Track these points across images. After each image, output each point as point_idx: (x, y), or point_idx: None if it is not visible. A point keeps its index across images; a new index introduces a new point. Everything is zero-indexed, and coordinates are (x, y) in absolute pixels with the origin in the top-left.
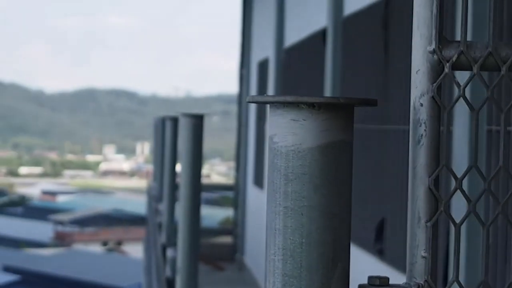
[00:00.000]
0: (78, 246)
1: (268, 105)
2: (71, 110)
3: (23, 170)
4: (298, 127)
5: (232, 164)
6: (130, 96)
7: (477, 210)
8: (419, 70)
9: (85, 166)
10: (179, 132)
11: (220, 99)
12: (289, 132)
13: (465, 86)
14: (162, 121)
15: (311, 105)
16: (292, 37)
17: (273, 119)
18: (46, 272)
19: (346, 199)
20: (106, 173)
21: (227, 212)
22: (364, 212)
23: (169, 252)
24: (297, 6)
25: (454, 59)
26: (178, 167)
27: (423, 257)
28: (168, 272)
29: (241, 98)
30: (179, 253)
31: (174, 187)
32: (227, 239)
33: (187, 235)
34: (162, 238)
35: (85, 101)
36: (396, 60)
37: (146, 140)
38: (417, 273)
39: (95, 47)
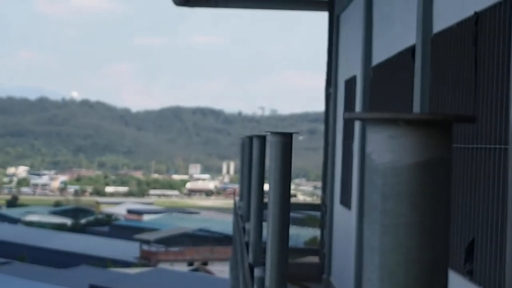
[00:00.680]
0: (164, 266)
1: (364, 123)
2: (157, 129)
3: (109, 189)
4: (395, 144)
5: (317, 183)
6: (215, 115)
7: None
8: None
9: (171, 185)
10: (267, 150)
11: (306, 117)
12: (387, 149)
13: None
14: (250, 140)
15: (409, 122)
16: (379, 55)
17: (370, 136)
18: None
19: (444, 217)
20: (192, 192)
21: (312, 232)
22: (454, 232)
23: (257, 272)
24: (385, 23)
25: None
26: (266, 186)
27: None
28: None
29: (328, 117)
30: (267, 272)
31: (261, 206)
32: (314, 259)
33: (275, 255)
34: (250, 258)
35: (171, 120)
36: (486, 77)
37: (231, 159)
38: None
39: (180, 66)
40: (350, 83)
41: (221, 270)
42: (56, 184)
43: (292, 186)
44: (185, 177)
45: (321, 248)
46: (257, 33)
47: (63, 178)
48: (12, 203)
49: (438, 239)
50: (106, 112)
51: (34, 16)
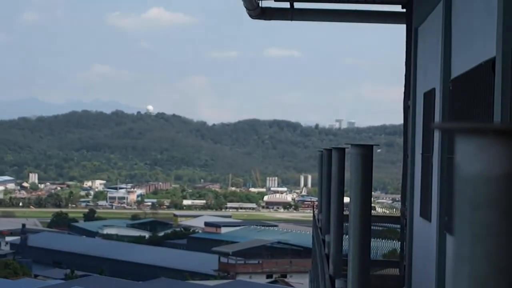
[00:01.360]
0: (242, 278)
1: (453, 133)
2: (233, 141)
3: (186, 202)
4: (485, 154)
5: (395, 196)
6: (292, 127)
7: None
8: None
9: (248, 198)
10: (347, 163)
11: (384, 130)
12: (476, 159)
13: None
14: (329, 152)
15: (499, 132)
16: (458, 67)
17: (459, 146)
18: None
19: None
20: (269, 205)
21: (391, 245)
22: None
23: (338, 284)
24: (464, 36)
25: None
26: (345, 199)
27: None
28: None
29: (407, 129)
30: (349, 284)
31: (341, 218)
32: (394, 271)
33: (357, 267)
34: (330, 270)
35: (247, 132)
36: None
37: (308, 171)
38: None
39: (256, 79)
40: (429, 96)
41: (300, 282)
42: (133, 197)
43: None
44: (262, 190)
45: (401, 260)
46: (333, 45)
47: (140, 191)
48: (90, 216)
49: None
50: (182, 126)
51: (108, 30)
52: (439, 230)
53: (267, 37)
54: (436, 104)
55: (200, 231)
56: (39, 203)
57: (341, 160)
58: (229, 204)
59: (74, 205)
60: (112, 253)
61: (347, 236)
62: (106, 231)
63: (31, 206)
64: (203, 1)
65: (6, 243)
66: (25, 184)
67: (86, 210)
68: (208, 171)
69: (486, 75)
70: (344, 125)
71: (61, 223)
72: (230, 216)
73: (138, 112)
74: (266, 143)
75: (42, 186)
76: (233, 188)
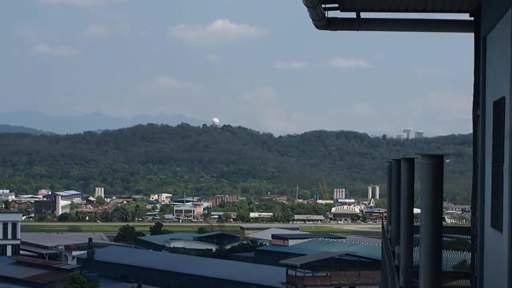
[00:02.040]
0: None
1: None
2: (300, 153)
3: (253, 215)
4: None
5: (465, 207)
6: (359, 138)
7: None
8: None
9: (316, 210)
10: (418, 173)
11: (452, 140)
12: None
13: None
14: (397, 163)
15: None
16: None
17: None
18: None
19: None
20: (337, 217)
21: (461, 256)
22: None
23: None
24: None
25: None
26: (415, 209)
27: None
28: None
29: (476, 139)
30: None
31: (411, 229)
32: (464, 283)
33: (428, 278)
34: (401, 281)
35: (314, 144)
36: None
37: (376, 182)
38: None
39: (322, 90)
40: (499, 105)
41: None
42: (199, 210)
43: None
44: (330, 201)
45: (472, 271)
46: (400, 55)
47: (206, 204)
48: (156, 230)
49: None
50: (248, 138)
51: (173, 43)
52: (510, 241)
53: (333, 47)
54: (506, 113)
55: (267, 244)
56: (106, 217)
57: (411, 171)
58: (296, 216)
59: (140, 219)
60: (179, 266)
61: (417, 248)
62: (173, 244)
63: (98, 220)
64: (268, 12)
65: (73, 257)
66: (91, 198)
67: (153, 224)
68: (275, 183)
69: None
70: (412, 135)
71: (128, 237)
72: (297, 229)
73: (204, 125)
74: (333, 155)
75: (108, 200)
76: (300, 200)
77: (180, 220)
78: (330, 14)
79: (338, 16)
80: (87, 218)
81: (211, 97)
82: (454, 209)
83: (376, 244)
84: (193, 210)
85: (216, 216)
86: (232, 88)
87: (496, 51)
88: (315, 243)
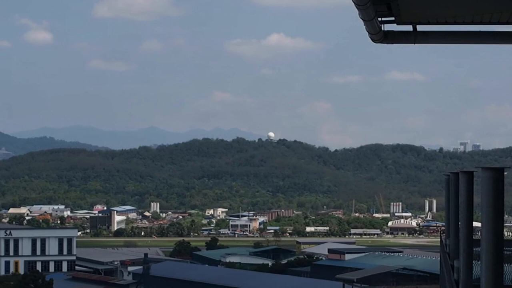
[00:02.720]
0: None
1: None
2: (356, 167)
3: (309, 229)
4: None
5: None
6: (416, 151)
7: None
8: None
9: (372, 224)
10: (477, 186)
11: (510, 153)
12: None
13: None
14: (455, 176)
15: None
16: None
17: None
18: None
19: None
20: (394, 231)
21: None
22: None
23: None
24: None
25: None
26: (475, 223)
27: None
28: None
29: None
30: None
31: (471, 243)
32: None
33: None
34: None
35: (370, 157)
36: None
37: (433, 196)
38: None
39: (378, 103)
40: None
41: None
42: (255, 225)
43: None
44: (386, 215)
45: None
46: (457, 67)
47: (262, 219)
48: (212, 244)
49: None
50: (304, 152)
51: (228, 58)
52: None
53: (389, 60)
54: None
55: (323, 258)
56: (161, 232)
57: (470, 184)
58: (352, 230)
59: (196, 234)
60: (235, 281)
61: (477, 261)
62: (229, 259)
63: (153, 236)
64: (324, 25)
65: (129, 273)
66: (146, 214)
67: (208, 239)
68: (331, 197)
69: None
70: (469, 148)
71: (184, 252)
72: (354, 243)
73: (259, 139)
74: (389, 168)
75: (163, 215)
76: (357, 214)
77: (236, 235)
78: (387, 27)
79: (395, 30)
80: (142, 233)
81: (267, 111)
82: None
83: (434, 258)
84: (249, 225)
85: (272, 231)
86: (287, 102)
87: None
88: (372, 257)
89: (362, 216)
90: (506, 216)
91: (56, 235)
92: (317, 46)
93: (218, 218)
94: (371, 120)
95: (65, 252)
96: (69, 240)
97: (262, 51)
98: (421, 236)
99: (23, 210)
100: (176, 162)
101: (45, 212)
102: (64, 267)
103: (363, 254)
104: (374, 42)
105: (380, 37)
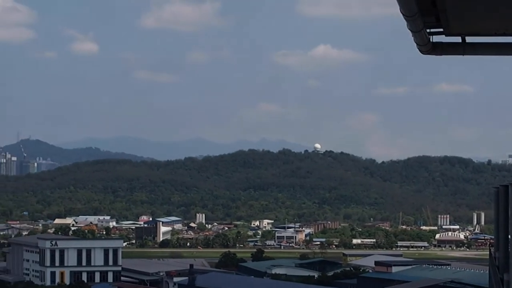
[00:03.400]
0: None
1: None
2: (403, 179)
3: (355, 241)
4: None
5: None
6: (464, 164)
7: None
8: None
9: (419, 236)
10: None
11: None
12: None
13: None
14: (505, 189)
15: None
16: None
17: None
18: None
19: None
20: (441, 243)
21: None
22: None
23: None
24: None
25: None
26: None
27: None
28: None
29: None
30: None
31: None
32: None
33: None
34: None
35: (417, 170)
36: None
37: (482, 208)
38: None
39: (425, 115)
40: None
41: None
42: (301, 236)
43: None
44: (433, 228)
45: None
46: (505, 79)
47: (308, 230)
48: (258, 256)
49: None
50: (351, 163)
51: (274, 69)
52: None
53: (437, 72)
54: None
55: (370, 271)
56: (207, 243)
57: None
58: (399, 243)
59: (242, 245)
60: None
61: None
62: (275, 271)
63: (199, 247)
64: (371, 37)
65: (174, 283)
66: (192, 224)
67: (254, 250)
68: (377, 209)
69: None
70: None
71: (229, 263)
72: (401, 255)
73: (306, 151)
74: (437, 180)
75: (209, 226)
76: (404, 226)
77: (282, 247)
78: (435, 38)
79: (443, 41)
80: (188, 244)
81: (313, 123)
82: None
83: (482, 271)
84: (295, 236)
85: (318, 243)
86: (334, 113)
87: None
88: (419, 270)
89: (409, 229)
90: None
91: (101, 245)
92: (364, 58)
93: (264, 229)
94: (419, 132)
95: (110, 262)
96: (115, 251)
97: (309, 62)
98: (469, 249)
99: (69, 220)
100: (222, 173)
101: (91, 222)
102: (110, 278)
103: (410, 267)
104: (422, 53)
105: (429, 48)
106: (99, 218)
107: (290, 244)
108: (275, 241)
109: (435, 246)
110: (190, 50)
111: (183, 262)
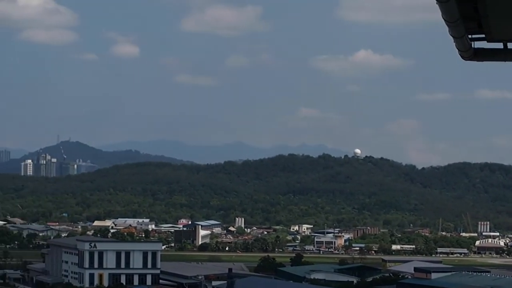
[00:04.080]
0: None
1: None
2: (443, 185)
3: (395, 247)
4: None
5: None
6: (505, 171)
7: None
8: None
9: (459, 243)
10: None
11: None
12: None
13: None
14: None
15: None
16: None
17: None
18: None
19: None
20: (481, 250)
21: None
22: None
23: None
24: None
25: None
26: None
27: None
28: None
29: None
30: None
31: None
32: None
33: None
34: None
35: (458, 176)
36: None
37: None
38: None
39: (466, 121)
40: None
41: None
42: (340, 242)
43: None
44: (473, 234)
45: None
46: None
47: (347, 236)
48: (296, 261)
49: None
50: (391, 169)
51: (315, 74)
52: None
53: (478, 78)
54: None
55: (409, 277)
56: (246, 247)
57: None
58: (439, 249)
59: (280, 250)
60: None
61: None
62: (314, 276)
63: (238, 251)
64: (413, 42)
65: (213, 287)
66: (231, 228)
67: (293, 255)
68: (417, 215)
69: None
70: None
71: (268, 267)
72: (440, 262)
73: (346, 156)
74: (477, 187)
75: (248, 230)
76: (443, 233)
77: (321, 252)
78: (477, 44)
79: (485, 47)
80: (227, 248)
81: (353, 128)
82: None
83: None
84: (334, 242)
85: (358, 248)
86: (374, 119)
87: None
88: (458, 277)
89: (448, 235)
90: None
91: (140, 248)
92: (406, 63)
93: (303, 234)
94: (459, 138)
95: (149, 265)
96: (154, 254)
97: (350, 67)
98: (509, 256)
99: (108, 223)
100: (262, 178)
101: (130, 225)
102: (148, 281)
103: (449, 274)
104: (464, 59)
105: (470, 54)
106: (138, 221)
107: (329, 249)
108: (314, 246)
109: (474, 252)
110: (231, 54)
111: (222, 266)
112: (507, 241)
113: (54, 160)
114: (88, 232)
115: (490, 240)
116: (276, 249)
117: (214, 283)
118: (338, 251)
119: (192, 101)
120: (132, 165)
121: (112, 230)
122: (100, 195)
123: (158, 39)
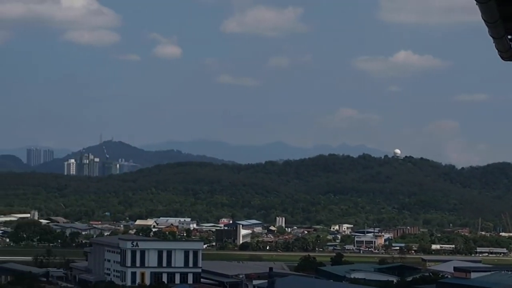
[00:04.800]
0: None
1: None
2: (483, 185)
3: (434, 247)
4: None
5: None
6: None
7: None
8: None
9: (499, 242)
10: None
11: None
12: None
13: None
14: None
15: None
16: None
17: None
18: None
19: None
20: None
21: None
22: None
23: None
24: None
25: None
26: None
27: None
28: None
29: None
30: None
31: None
32: None
33: None
34: None
35: (497, 176)
36: None
37: None
38: None
39: (507, 122)
40: None
41: None
42: (380, 241)
43: None
44: None
45: None
46: None
47: (387, 235)
48: (337, 260)
49: None
50: (430, 169)
51: (355, 74)
52: None
53: None
54: None
55: (449, 276)
56: (286, 246)
57: None
58: (479, 249)
59: (321, 249)
60: None
61: None
62: (354, 275)
63: (278, 250)
64: (452, 43)
65: (254, 286)
66: (272, 228)
67: (333, 254)
68: (457, 215)
69: None
70: None
71: (308, 267)
72: (480, 261)
73: (386, 156)
74: None
75: (289, 229)
76: (483, 233)
77: (361, 251)
78: None
79: None
80: (267, 248)
81: (393, 128)
82: None
83: None
84: (374, 241)
85: (397, 248)
86: (414, 119)
87: None
88: (498, 276)
89: (488, 235)
90: None
91: (182, 247)
92: (445, 64)
93: (343, 234)
94: (499, 138)
95: (190, 264)
96: (195, 253)
97: (390, 68)
98: None
99: (150, 222)
100: (302, 178)
101: (172, 224)
102: (190, 279)
103: (489, 273)
104: (504, 60)
105: (510, 55)
106: (179, 220)
107: (369, 249)
108: (354, 246)
109: None
110: (272, 55)
111: (263, 265)
112: None
113: (96, 159)
114: (130, 231)
115: None
116: (317, 249)
117: (255, 282)
118: (378, 250)
119: (233, 102)
120: (173, 164)
121: (154, 229)
122: (142, 195)
123: (199, 40)
